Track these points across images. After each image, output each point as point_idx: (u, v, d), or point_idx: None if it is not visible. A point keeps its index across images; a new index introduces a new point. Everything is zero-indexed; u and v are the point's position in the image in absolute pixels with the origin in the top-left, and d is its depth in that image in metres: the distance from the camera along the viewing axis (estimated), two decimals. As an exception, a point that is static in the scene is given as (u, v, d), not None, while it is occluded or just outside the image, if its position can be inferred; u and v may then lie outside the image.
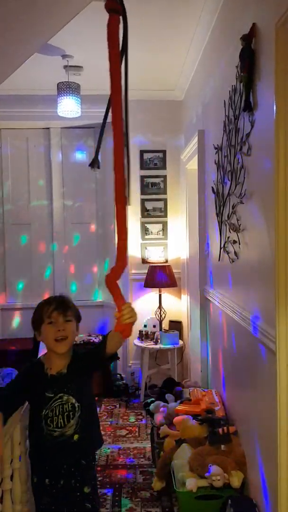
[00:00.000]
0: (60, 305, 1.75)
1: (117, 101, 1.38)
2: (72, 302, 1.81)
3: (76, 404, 1.71)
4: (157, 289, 4.43)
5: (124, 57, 1.44)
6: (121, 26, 1.42)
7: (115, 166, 1.39)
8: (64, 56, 3.65)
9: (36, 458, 1.76)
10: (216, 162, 2.91)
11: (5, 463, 1.64)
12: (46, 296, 4.71)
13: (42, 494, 1.72)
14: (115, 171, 1.38)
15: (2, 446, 1.50)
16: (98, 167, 1.60)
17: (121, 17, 1.40)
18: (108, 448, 3.35)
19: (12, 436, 1.72)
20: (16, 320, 4.82)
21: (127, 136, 1.50)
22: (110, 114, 1.40)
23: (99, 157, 1.65)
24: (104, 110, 1.52)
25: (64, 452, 1.70)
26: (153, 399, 3.29)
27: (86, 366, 1.79)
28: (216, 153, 2.91)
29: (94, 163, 1.55)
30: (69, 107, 3.84)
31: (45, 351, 1.81)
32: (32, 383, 1.74)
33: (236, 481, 2.27)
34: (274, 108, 1.77)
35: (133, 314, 1.45)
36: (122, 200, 1.38)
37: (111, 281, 1.41)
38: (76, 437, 1.70)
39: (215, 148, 2.92)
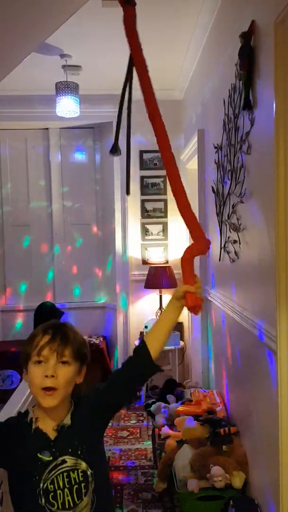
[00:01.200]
0: (55, 339, 1.22)
1: (148, 90, 1.40)
2: (78, 334, 1.29)
3: (89, 472, 1.21)
4: (158, 290, 4.42)
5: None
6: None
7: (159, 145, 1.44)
8: (62, 56, 3.64)
9: None
10: (216, 161, 2.90)
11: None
12: (48, 297, 4.76)
13: None
14: (162, 155, 1.45)
15: None
16: (120, 153, 1.55)
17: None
18: (109, 450, 3.33)
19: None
20: (17, 322, 4.81)
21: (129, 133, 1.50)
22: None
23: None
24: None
25: None
26: (154, 400, 3.28)
27: (111, 405, 1.31)
28: (216, 153, 2.90)
29: (115, 150, 1.53)
30: (67, 107, 3.83)
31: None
32: (15, 441, 1.21)
33: (237, 482, 2.26)
34: (274, 105, 1.75)
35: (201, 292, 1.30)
36: (174, 165, 1.42)
37: (188, 258, 1.35)
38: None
39: (215, 148, 2.91)
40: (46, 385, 1.19)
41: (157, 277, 4.30)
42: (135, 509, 2.60)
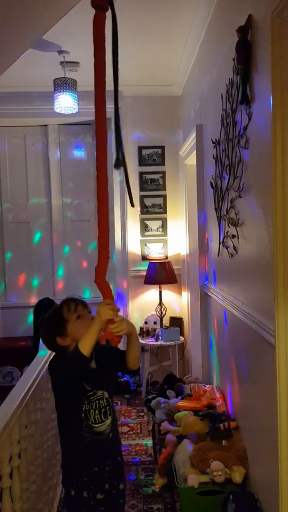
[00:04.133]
0: (81, 301, 1.72)
1: (100, 100, 1.38)
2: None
3: (110, 399, 1.68)
4: (158, 285, 4.42)
5: (114, 51, 1.43)
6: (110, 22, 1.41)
7: (97, 164, 1.39)
8: (60, 52, 3.63)
9: (75, 469, 1.66)
10: (214, 156, 2.89)
11: (4, 461, 1.63)
12: (51, 294, 4.74)
13: (80, 508, 1.65)
14: (97, 168, 1.39)
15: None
16: (121, 166, 1.56)
17: (109, 11, 1.40)
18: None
19: (11, 434, 1.71)
20: (17, 318, 4.81)
21: (119, 131, 1.50)
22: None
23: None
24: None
25: (105, 452, 1.67)
26: (154, 395, 3.28)
27: (111, 364, 1.74)
28: (214, 148, 2.90)
29: (119, 163, 1.53)
30: (66, 104, 3.82)
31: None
32: None
33: (237, 477, 2.26)
34: (271, 99, 1.75)
35: (124, 327, 1.49)
36: (104, 194, 1.41)
37: (101, 281, 1.45)
38: (111, 435, 1.67)
39: (213, 143, 2.90)
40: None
41: (157, 273, 4.30)
42: (135, 504, 2.60)
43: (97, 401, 1.64)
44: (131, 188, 1.56)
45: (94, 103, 1.40)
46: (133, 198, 1.64)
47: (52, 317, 1.70)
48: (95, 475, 1.65)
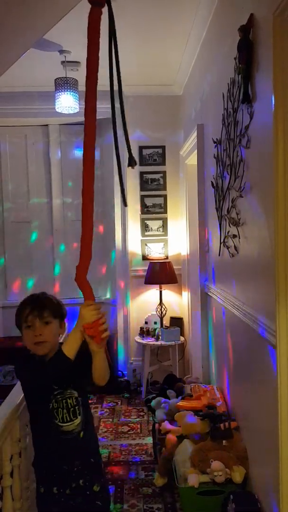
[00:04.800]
0: (35, 307, 1.64)
1: (91, 97, 1.37)
2: (52, 299, 1.70)
3: (79, 399, 1.65)
4: (158, 285, 4.42)
5: (114, 48, 1.42)
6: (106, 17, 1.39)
7: (83, 162, 1.39)
8: (61, 52, 3.63)
9: (43, 466, 1.67)
10: (215, 156, 2.89)
11: (5, 459, 1.63)
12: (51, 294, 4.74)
13: (50, 505, 1.63)
14: (84, 166, 1.38)
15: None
16: (135, 164, 1.57)
17: (105, 7, 1.38)
18: (110, 445, 3.34)
19: (12, 433, 1.71)
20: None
21: (126, 131, 1.49)
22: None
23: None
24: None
25: (74, 451, 1.64)
26: (154, 395, 3.28)
27: (78, 370, 1.61)
28: (215, 147, 2.89)
29: (131, 162, 1.55)
30: (67, 103, 3.82)
31: None
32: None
33: (238, 477, 2.26)
34: (273, 98, 1.75)
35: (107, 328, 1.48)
36: (89, 194, 1.40)
37: (82, 280, 1.43)
38: (81, 434, 1.65)
39: (214, 142, 2.90)
40: (37, 340, 1.61)
41: (157, 273, 4.30)
42: (135, 504, 2.60)
43: (64, 401, 1.63)
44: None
45: (85, 100, 1.37)
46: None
47: (15, 314, 1.70)
48: (64, 473, 1.63)
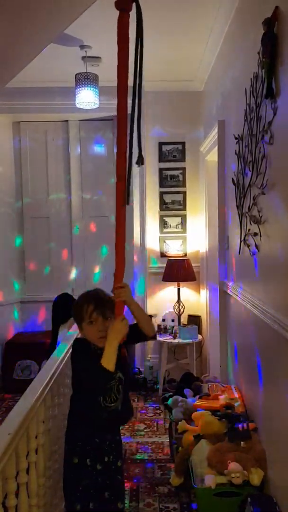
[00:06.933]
0: (99, 305, 1.78)
1: (123, 100, 1.44)
2: (110, 297, 1.80)
3: (123, 378, 1.82)
4: (176, 283, 4.39)
5: (140, 48, 1.45)
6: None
7: (117, 173, 1.56)
8: (82, 47, 3.61)
9: (79, 437, 1.80)
10: (237, 152, 2.84)
11: (21, 456, 1.62)
12: (69, 289, 4.76)
13: (82, 476, 1.78)
14: (117, 177, 1.47)
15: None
16: (142, 163, 1.67)
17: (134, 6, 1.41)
18: (126, 443, 3.33)
19: (28, 429, 1.70)
20: (37, 313, 4.84)
21: (139, 127, 1.51)
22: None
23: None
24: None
25: (108, 425, 1.81)
26: (171, 393, 3.25)
27: (129, 342, 1.81)
28: (236, 143, 2.84)
29: (140, 160, 1.65)
30: (87, 98, 3.81)
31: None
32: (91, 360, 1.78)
33: (256, 479, 2.22)
34: (298, 93, 1.70)
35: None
36: (122, 202, 1.59)
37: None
38: (119, 407, 1.82)
39: (236, 138, 2.85)
40: (101, 336, 1.75)
41: (175, 270, 4.27)
42: (151, 503, 2.58)
43: (116, 383, 1.78)
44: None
45: (117, 104, 1.45)
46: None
47: (75, 308, 1.83)
48: (96, 447, 1.79)
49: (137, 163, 1.66)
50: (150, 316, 1.82)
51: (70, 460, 1.81)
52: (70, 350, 1.93)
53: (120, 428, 1.96)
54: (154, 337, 1.96)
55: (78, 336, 2.05)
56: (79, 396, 1.84)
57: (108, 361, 1.65)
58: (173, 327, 4.37)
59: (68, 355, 2.39)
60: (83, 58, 3.76)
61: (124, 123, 1.55)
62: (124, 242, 1.71)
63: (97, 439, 1.79)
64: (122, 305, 1.71)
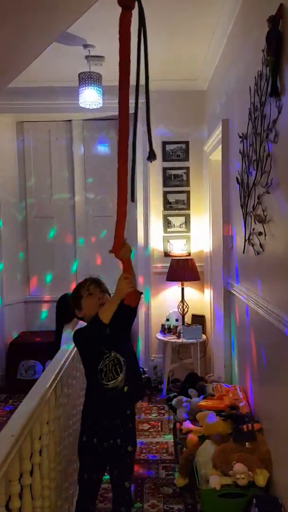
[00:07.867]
0: (94, 281, 2.04)
1: (124, 97, 1.44)
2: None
3: (122, 359, 1.94)
4: (180, 282, 4.37)
5: (144, 45, 1.45)
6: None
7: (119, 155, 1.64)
8: (85, 46, 3.60)
9: (89, 416, 1.99)
10: (241, 151, 2.83)
11: (24, 458, 1.61)
12: (72, 288, 4.76)
13: (88, 453, 1.98)
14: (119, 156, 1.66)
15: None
16: (155, 158, 1.74)
17: (136, 5, 1.41)
18: (130, 443, 3.32)
19: (32, 431, 1.70)
20: (41, 312, 4.84)
21: (148, 121, 1.50)
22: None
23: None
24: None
25: (116, 407, 1.95)
26: (175, 393, 3.24)
27: (119, 321, 1.90)
28: (241, 142, 2.83)
29: (151, 156, 1.71)
30: (90, 98, 3.79)
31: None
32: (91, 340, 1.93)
33: (261, 480, 2.21)
34: (303, 91, 1.68)
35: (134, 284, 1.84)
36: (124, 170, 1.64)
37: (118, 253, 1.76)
38: (126, 389, 1.94)
39: (240, 137, 2.83)
40: (101, 303, 1.96)
41: (179, 270, 4.25)
42: (155, 503, 2.57)
43: (111, 361, 1.93)
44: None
45: (118, 101, 1.44)
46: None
47: (73, 292, 2.06)
48: (104, 427, 1.94)
49: (148, 159, 1.69)
50: (140, 293, 1.96)
51: (81, 437, 2.02)
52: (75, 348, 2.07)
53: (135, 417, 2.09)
54: (135, 309, 1.96)
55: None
56: (87, 380, 2.01)
57: (104, 313, 1.82)
58: (177, 326, 4.36)
59: (72, 355, 2.38)
60: (87, 57, 3.75)
61: (125, 113, 1.53)
62: (125, 202, 1.75)
63: (106, 422, 1.94)
64: (125, 264, 1.84)
